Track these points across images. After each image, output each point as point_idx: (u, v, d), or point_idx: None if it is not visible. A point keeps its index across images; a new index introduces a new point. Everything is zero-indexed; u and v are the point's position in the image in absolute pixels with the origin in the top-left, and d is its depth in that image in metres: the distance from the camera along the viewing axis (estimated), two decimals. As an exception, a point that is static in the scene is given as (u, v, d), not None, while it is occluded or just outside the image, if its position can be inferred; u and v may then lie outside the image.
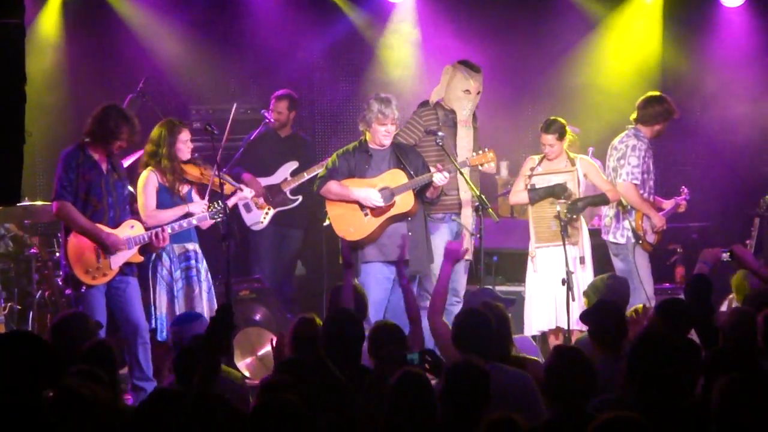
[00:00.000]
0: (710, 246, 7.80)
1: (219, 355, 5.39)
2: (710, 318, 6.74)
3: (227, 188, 9.59)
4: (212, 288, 9.73)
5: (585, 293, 9.16)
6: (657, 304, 7.24)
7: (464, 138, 10.27)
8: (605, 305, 7.32)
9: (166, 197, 9.57)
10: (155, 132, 9.64)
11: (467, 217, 10.23)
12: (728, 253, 7.36)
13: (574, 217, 10.22)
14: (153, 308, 9.49)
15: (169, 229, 9.33)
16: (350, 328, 6.86)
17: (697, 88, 13.00)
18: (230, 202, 9.61)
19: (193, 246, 9.68)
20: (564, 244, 9.88)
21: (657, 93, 10.77)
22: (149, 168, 9.59)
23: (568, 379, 5.43)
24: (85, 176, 9.10)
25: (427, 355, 6.35)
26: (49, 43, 12.65)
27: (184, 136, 9.60)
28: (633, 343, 5.79)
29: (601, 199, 10.43)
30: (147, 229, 9.34)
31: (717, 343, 6.47)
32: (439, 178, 9.64)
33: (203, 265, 9.69)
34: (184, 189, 9.64)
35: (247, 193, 9.97)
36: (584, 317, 7.42)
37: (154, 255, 9.53)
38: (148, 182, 9.57)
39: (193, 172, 9.59)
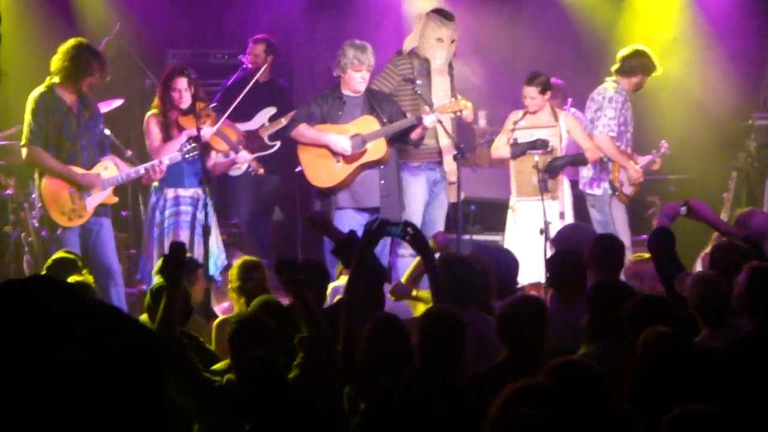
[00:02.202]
0: (687, 197, 7.94)
1: (174, 293, 5.52)
2: (674, 270, 6.87)
3: (222, 147, 9.63)
4: (213, 232, 9.70)
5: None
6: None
7: (440, 87, 10.36)
8: (563, 254, 7.46)
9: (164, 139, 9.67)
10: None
11: (449, 163, 10.33)
12: (685, 207, 7.46)
13: (555, 174, 10.32)
14: (142, 250, 9.67)
15: (166, 161, 9.36)
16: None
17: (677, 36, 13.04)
18: (225, 164, 9.79)
19: (189, 192, 9.66)
20: (542, 196, 9.98)
21: (639, 46, 10.83)
22: (150, 112, 9.67)
23: (520, 326, 5.62)
24: (56, 119, 9.14)
25: (408, 227, 6.23)
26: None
27: (179, 83, 9.53)
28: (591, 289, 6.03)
29: (580, 159, 10.54)
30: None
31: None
32: (430, 119, 9.75)
33: (200, 213, 9.59)
34: (185, 144, 9.57)
35: (241, 157, 9.97)
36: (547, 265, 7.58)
37: (154, 198, 9.58)
38: (149, 124, 9.67)
39: (190, 125, 9.53)
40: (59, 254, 8.02)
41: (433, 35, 10.33)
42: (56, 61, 9.19)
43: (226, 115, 9.95)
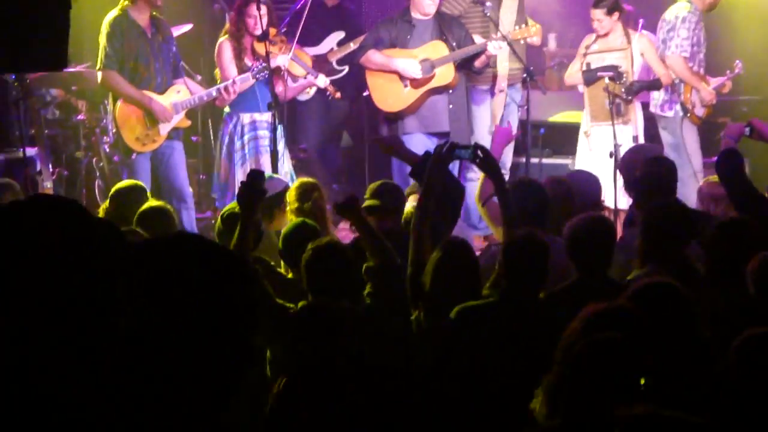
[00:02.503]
0: (760, 118, 7.85)
1: (248, 221, 5.55)
2: (748, 190, 6.82)
3: (299, 71, 9.65)
4: (284, 156, 9.78)
5: None
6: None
7: (509, 8, 10.29)
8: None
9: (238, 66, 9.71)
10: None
11: (515, 90, 10.30)
12: (748, 127, 7.37)
13: (630, 98, 10.23)
14: (215, 175, 9.72)
15: (239, 82, 9.41)
16: None
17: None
18: (299, 87, 9.79)
19: (265, 116, 9.71)
20: (612, 120, 9.92)
21: None
22: (223, 37, 9.71)
23: (587, 244, 5.63)
24: (130, 43, 9.20)
25: (479, 150, 6.22)
26: None
27: (254, 9, 9.58)
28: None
29: (655, 84, 10.45)
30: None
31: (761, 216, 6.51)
32: (494, 46, 9.70)
33: (278, 132, 9.66)
34: (256, 64, 9.61)
35: (321, 81, 10.00)
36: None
37: (222, 123, 9.67)
38: (222, 51, 9.75)
39: (263, 51, 9.54)
40: (125, 183, 8.05)
41: None
42: None
43: (297, 38, 9.94)
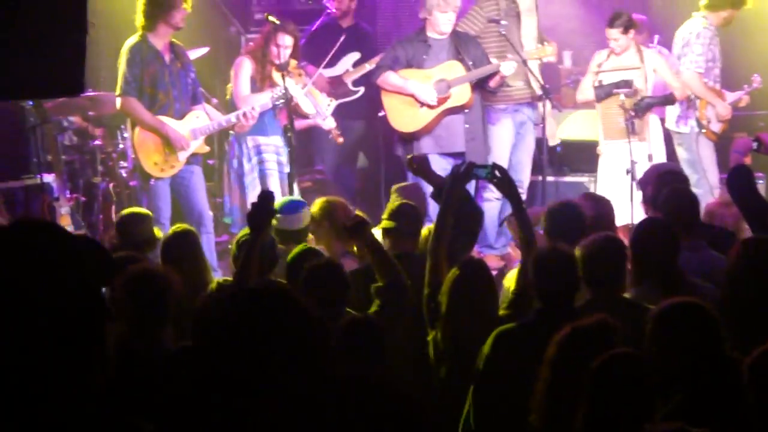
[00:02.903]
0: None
1: (255, 241, 5.57)
2: (761, 206, 6.81)
3: (309, 109, 9.74)
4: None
5: None
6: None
7: (527, 27, 10.33)
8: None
9: (252, 91, 9.78)
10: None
11: (531, 108, 10.35)
12: (756, 142, 7.36)
13: (641, 115, 10.23)
14: (230, 199, 9.76)
15: (258, 108, 9.47)
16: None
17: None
18: (306, 123, 9.81)
19: (270, 140, 9.85)
20: (629, 137, 9.92)
21: None
22: (247, 55, 9.79)
23: (603, 266, 5.61)
24: (149, 69, 9.27)
25: (496, 170, 6.20)
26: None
27: (284, 40, 9.70)
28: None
29: (667, 100, 10.45)
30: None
31: None
32: (508, 67, 9.72)
33: (284, 158, 9.79)
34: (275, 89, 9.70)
35: (328, 124, 10.06)
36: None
37: (228, 147, 9.76)
38: (242, 67, 9.88)
39: (280, 82, 9.63)
40: (128, 210, 8.09)
41: None
42: (139, 10, 9.31)
43: (314, 78, 10.05)
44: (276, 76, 9.72)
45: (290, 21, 10.06)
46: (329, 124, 10.16)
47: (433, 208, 8.19)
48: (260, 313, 2.65)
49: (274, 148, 9.87)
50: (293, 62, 9.90)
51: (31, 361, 2.40)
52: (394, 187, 8.29)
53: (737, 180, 6.95)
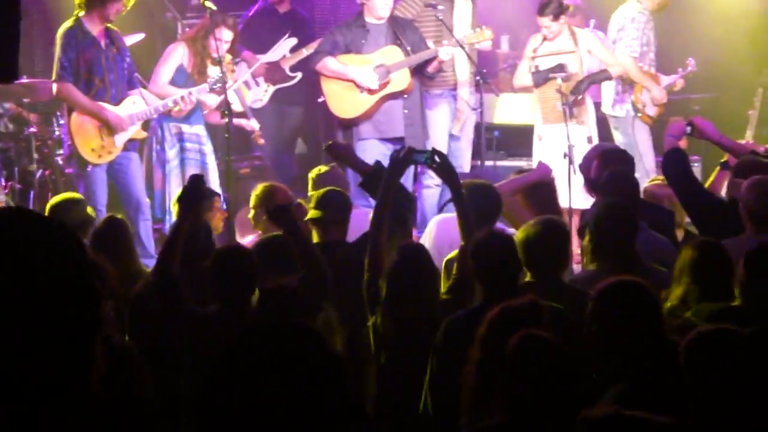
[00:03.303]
0: (711, 118, 7.93)
1: (181, 225, 5.54)
2: (695, 189, 6.89)
3: (236, 106, 9.73)
4: (216, 173, 9.85)
5: None
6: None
7: (463, 13, 10.37)
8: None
9: (181, 78, 9.73)
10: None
11: (466, 94, 10.35)
12: (689, 126, 7.43)
13: (579, 96, 10.26)
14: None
15: (195, 93, 9.43)
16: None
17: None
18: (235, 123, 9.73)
19: (192, 128, 9.82)
20: (566, 121, 9.96)
21: None
22: (184, 42, 9.73)
23: (543, 250, 5.64)
24: (85, 54, 9.22)
25: (436, 156, 6.18)
26: None
27: (223, 34, 9.69)
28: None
29: (603, 76, 10.51)
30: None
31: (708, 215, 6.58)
32: (445, 52, 9.75)
33: (207, 147, 9.80)
34: (200, 85, 9.69)
35: (253, 124, 10.07)
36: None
37: (150, 131, 9.69)
38: (173, 53, 9.88)
39: (212, 75, 9.62)
40: (60, 197, 8.03)
41: None
42: None
43: (252, 69, 10.00)
44: (211, 69, 9.70)
45: (225, 9, 10.02)
46: (253, 125, 10.15)
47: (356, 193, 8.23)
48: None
49: (196, 137, 9.88)
50: (228, 57, 9.85)
51: (33, 359, 2.32)
52: (313, 173, 8.15)
53: (672, 163, 7.03)
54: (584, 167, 8.26)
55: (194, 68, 9.83)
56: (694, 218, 7.05)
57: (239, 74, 10.62)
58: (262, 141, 10.29)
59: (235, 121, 9.84)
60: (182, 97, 9.50)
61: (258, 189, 7.72)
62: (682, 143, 7.67)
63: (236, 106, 9.90)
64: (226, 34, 9.71)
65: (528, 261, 5.65)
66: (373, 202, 6.94)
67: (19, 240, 2.34)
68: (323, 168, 8.05)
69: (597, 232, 6.06)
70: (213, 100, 9.71)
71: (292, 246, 5.88)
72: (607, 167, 7.24)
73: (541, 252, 5.67)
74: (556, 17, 10.32)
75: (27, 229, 2.38)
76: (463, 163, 10.38)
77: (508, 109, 11.68)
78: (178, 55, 9.83)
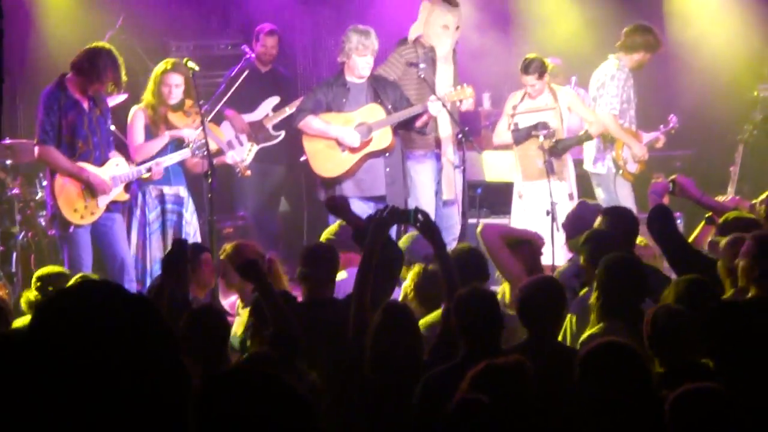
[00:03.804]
0: (692, 174, 7.99)
1: (162, 289, 5.53)
2: (683, 249, 6.91)
3: (213, 146, 9.68)
4: (197, 233, 9.84)
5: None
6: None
7: (444, 74, 10.45)
8: (597, 232, 7.25)
9: (148, 138, 9.76)
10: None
11: (449, 153, 10.39)
12: (671, 183, 7.49)
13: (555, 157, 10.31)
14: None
15: (164, 163, 9.45)
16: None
17: (679, 12, 13.07)
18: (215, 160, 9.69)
19: (172, 189, 9.83)
20: (548, 177, 10.00)
21: (644, 23, 10.85)
22: (137, 105, 9.76)
23: (540, 307, 5.61)
24: (68, 117, 9.22)
25: (419, 214, 6.18)
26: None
27: (172, 79, 9.75)
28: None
29: (584, 138, 10.56)
30: (137, 165, 9.48)
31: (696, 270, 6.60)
32: (435, 108, 9.79)
33: (186, 210, 9.80)
34: (164, 138, 9.75)
35: (229, 158, 10.04)
36: (574, 245, 7.48)
37: (130, 195, 9.67)
38: (135, 119, 9.87)
39: (178, 122, 9.67)
40: (52, 270, 7.99)
41: (439, 22, 10.40)
42: (77, 57, 9.31)
43: (211, 114, 10.05)
44: (173, 117, 9.72)
45: (208, 69, 10.07)
46: (231, 158, 10.14)
47: None
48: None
49: (177, 198, 9.88)
50: (188, 102, 9.86)
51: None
52: (324, 235, 8.11)
53: (658, 221, 7.06)
54: (568, 225, 8.28)
55: (152, 123, 9.82)
56: (679, 275, 7.06)
57: (224, 132, 10.64)
58: (248, 172, 10.26)
59: (216, 159, 9.82)
60: (149, 169, 9.51)
61: (226, 248, 7.70)
62: (665, 201, 7.71)
63: (212, 145, 9.85)
64: (174, 79, 9.74)
65: (525, 320, 5.68)
66: None
67: (124, 324, 2.36)
68: (334, 228, 7.92)
69: (607, 290, 6.00)
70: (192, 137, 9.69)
71: (262, 301, 5.88)
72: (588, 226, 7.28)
73: (537, 311, 5.69)
74: (540, 76, 10.38)
75: (125, 310, 2.39)
76: (452, 224, 10.39)
77: (490, 167, 11.71)
78: (139, 118, 9.84)
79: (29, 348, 2.33)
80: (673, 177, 7.81)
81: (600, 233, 7.12)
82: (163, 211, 9.84)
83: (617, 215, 7.57)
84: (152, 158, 9.66)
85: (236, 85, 11.32)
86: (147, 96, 9.88)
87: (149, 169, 9.51)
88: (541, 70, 10.39)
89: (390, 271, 6.42)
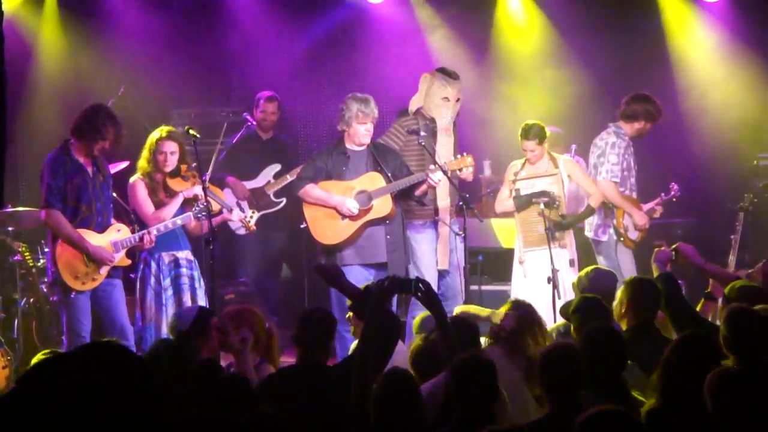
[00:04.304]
0: (693, 242, 8.00)
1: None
2: (689, 314, 6.91)
3: (214, 206, 9.68)
4: (203, 295, 9.85)
5: (573, 287, 9.14)
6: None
7: (444, 146, 10.48)
8: (587, 300, 7.30)
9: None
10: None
11: (447, 223, 10.42)
12: (673, 252, 7.52)
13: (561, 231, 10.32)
14: (142, 317, 9.65)
15: (155, 231, 9.48)
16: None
17: (678, 81, 13.15)
18: (215, 221, 9.70)
19: (183, 254, 9.86)
20: (549, 244, 10.02)
21: (644, 92, 10.90)
22: (135, 175, 9.79)
23: (559, 373, 5.60)
24: (73, 181, 9.26)
25: (420, 284, 6.10)
26: (27, 49, 12.75)
27: (167, 146, 9.79)
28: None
29: (587, 213, 10.59)
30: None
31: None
32: (436, 177, 9.79)
33: (197, 273, 9.83)
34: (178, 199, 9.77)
35: (234, 216, 10.05)
36: (564, 312, 7.46)
37: (142, 264, 9.67)
38: (137, 188, 9.84)
39: (177, 187, 9.70)
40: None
41: (439, 94, 10.45)
42: (75, 120, 9.35)
43: (208, 174, 10.04)
44: (172, 183, 9.76)
45: (210, 137, 10.12)
46: (236, 215, 10.12)
47: None
48: None
49: (188, 263, 9.88)
50: (183, 167, 9.88)
51: None
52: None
53: (664, 288, 7.06)
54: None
55: (151, 190, 9.84)
56: None
57: (227, 199, 10.67)
58: (254, 228, 10.24)
59: (217, 219, 9.84)
60: (148, 233, 9.52)
61: (227, 312, 7.69)
62: (668, 268, 7.72)
63: (214, 205, 9.85)
64: (169, 146, 9.77)
65: (550, 389, 5.67)
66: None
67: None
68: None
69: (590, 362, 5.84)
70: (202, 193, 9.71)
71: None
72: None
73: (562, 379, 5.64)
74: (540, 141, 10.44)
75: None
76: (459, 297, 10.38)
77: (491, 234, 11.73)
78: (140, 188, 9.84)
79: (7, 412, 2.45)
80: (675, 245, 7.82)
81: (589, 302, 7.14)
82: (177, 276, 9.83)
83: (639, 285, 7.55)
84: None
85: (242, 152, 11.40)
86: (142, 164, 9.88)
87: (141, 238, 9.50)
88: (541, 136, 10.46)
89: (387, 339, 6.41)
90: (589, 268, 8.80)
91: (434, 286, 10.05)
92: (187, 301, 9.71)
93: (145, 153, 9.88)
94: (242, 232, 11.30)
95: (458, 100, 10.56)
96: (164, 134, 9.81)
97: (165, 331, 9.49)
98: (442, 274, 10.50)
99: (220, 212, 9.99)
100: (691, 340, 5.73)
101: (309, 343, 6.60)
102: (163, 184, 9.83)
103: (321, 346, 6.65)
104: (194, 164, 9.90)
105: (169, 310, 9.64)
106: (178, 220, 9.61)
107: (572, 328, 7.07)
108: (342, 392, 5.89)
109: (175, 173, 9.75)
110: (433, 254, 10.47)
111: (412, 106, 10.56)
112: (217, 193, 10.15)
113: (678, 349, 5.62)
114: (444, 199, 10.47)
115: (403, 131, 10.45)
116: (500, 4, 13.51)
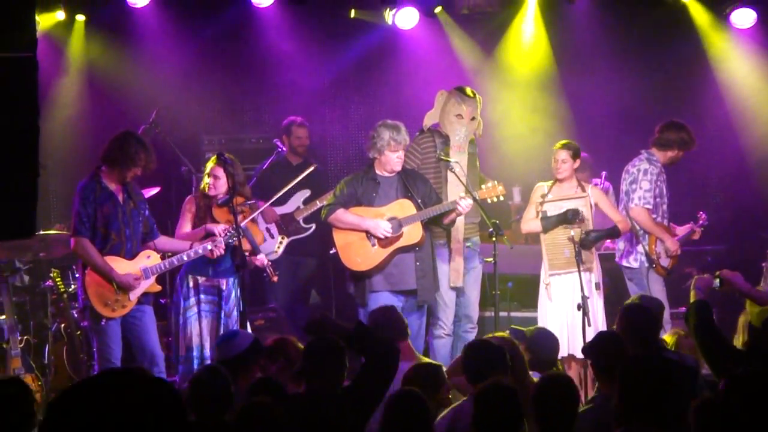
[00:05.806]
0: (724, 268, 7.91)
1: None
2: (720, 344, 6.83)
3: (245, 245, 9.70)
4: (236, 324, 9.78)
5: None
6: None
7: (463, 168, 10.37)
8: (604, 336, 7.28)
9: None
10: None
11: (475, 244, 10.41)
12: (717, 279, 7.44)
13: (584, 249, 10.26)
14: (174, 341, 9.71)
15: (223, 245, 9.50)
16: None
17: (712, 111, 13.10)
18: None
19: (210, 281, 9.84)
20: (579, 270, 9.95)
21: (678, 120, 10.85)
22: (192, 195, 9.89)
23: (553, 406, 5.57)
24: (103, 208, 9.30)
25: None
26: (62, 75, 12.80)
27: (214, 170, 9.91)
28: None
29: (612, 232, 10.50)
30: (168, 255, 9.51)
31: (731, 368, 6.50)
32: (465, 204, 9.76)
33: (228, 302, 9.79)
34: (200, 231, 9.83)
35: (259, 260, 10.06)
36: (586, 351, 7.37)
37: (178, 285, 9.75)
38: (184, 204, 10.07)
39: (218, 217, 9.74)
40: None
41: (453, 111, 10.45)
42: (106, 148, 9.38)
43: (249, 218, 10.00)
44: (216, 212, 9.79)
45: (242, 162, 10.14)
46: (261, 260, 10.11)
47: None
48: None
49: (211, 290, 9.87)
50: (240, 199, 9.89)
51: None
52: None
53: (698, 316, 6.98)
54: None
55: (198, 212, 9.90)
56: (713, 368, 6.98)
57: (258, 224, 10.68)
58: (275, 278, 10.22)
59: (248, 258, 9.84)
60: (204, 248, 9.54)
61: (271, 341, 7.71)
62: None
63: (246, 245, 9.85)
64: (216, 171, 9.85)
65: (542, 420, 5.63)
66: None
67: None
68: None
69: (625, 393, 5.71)
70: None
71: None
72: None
73: (555, 410, 5.62)
74: (574, 156, 10.39)
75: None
76: (472, 312, 10.40)
77: (521, 260, 11.67)
78: (189, 206, 9.95)
79: None
80: (718, 272, 7.73)
81: (605, 337, 7.11)
82: (198, 302, 9.84)
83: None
84: (191, 247, 9.64)
85: (273, 178, 11.41)
86: (202, 185, 10.00)
87: (212, 251, 9.53)
88: (576, 152, 10.44)
89: (386, 368, 6.38)
90: (635, 296, 8.79)
91: (451, 304, 10.13)
92: (204, 329, 9.74)
93: (203, 175, 10.00)
94: (272, 257, 11.29)
95: (473, 118, 10.51)
96: (215, 159, 9.87)
97: (185, 352, 9.55)
98: (456, 292, 10.45)
99: (251, 252, 10.00)
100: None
101: (310, 374, 6.51)
102: (208, 209, 9.88)
103: (323, 377, 6.49)
104: (253, 201, 9.94)
105: (193, 331, 9.71)
106: (209, 246, 9.58)
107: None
108: (345, 421, 5.93)
109: (224, 203, 9.77)
110: (444, 274, 10.39)
111: (426, 122, 10.55)
112: (255, 233, 10.15)
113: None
114: (462, 220, 10.42)
115: (420, 153, 10.44)
116: (538, 30, 13.51)
